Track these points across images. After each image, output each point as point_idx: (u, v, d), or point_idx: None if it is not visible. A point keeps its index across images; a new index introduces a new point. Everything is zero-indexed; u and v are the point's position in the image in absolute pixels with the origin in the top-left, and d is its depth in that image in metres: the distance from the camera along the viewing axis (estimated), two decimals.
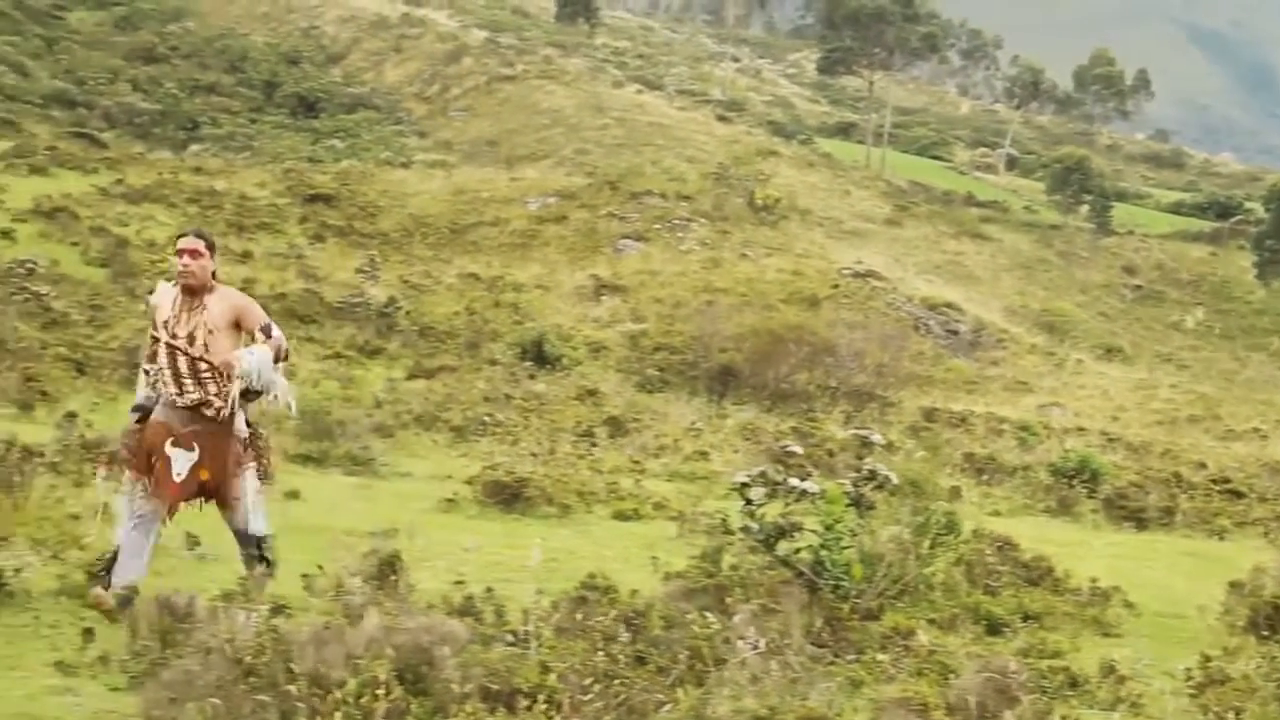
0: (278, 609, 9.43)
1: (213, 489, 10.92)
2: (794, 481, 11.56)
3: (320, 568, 11.61)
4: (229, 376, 10.44)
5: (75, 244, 35.91)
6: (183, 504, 10.90)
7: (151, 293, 10.87)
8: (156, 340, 10.61)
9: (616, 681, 8.44)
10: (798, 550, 11.51)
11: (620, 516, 17.23)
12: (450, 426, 23.14)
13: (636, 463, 21.43)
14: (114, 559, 10.54)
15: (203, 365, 10.48)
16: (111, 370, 23.74)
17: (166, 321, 10.49)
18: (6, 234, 35.89)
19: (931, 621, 11.90)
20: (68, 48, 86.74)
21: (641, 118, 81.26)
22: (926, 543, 12.77)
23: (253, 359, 10.46)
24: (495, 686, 7.89)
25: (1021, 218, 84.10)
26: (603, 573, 11.61)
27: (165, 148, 66.38)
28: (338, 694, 7.52)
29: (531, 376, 29.08)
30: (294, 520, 15.24)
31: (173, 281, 10.71)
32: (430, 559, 13.00)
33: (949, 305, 45.49)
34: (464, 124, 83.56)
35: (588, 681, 8.28)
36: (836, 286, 41.30)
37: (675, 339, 34.42)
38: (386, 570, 11.47)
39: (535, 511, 16.84)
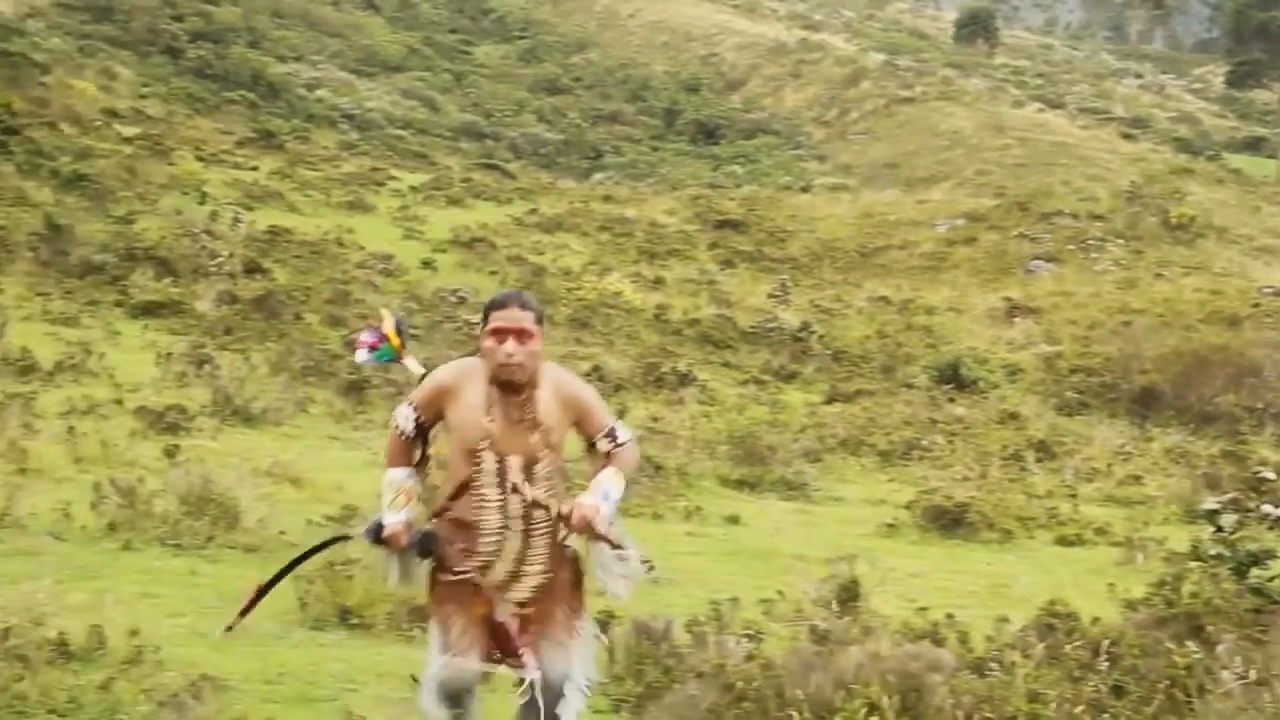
0: (753, 635, 9.46)
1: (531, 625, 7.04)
2: (1267, 508, 11.19)
3: (780, 593, 11.64)
4: (581, 531, 6.88)
5: (494, 273, 36.76)
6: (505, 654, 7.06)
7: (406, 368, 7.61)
8: (408, 442, 7.01)
9: (1105, 713, 8.25)
10: (1272, 578, 11.13)
11: (1063, 542, 16.91)
12: (876, 451, 23.04)
13: (1069, 487, 21.02)
14: None
15: (538, 511, 6.83)
16: None
17: (487, 428, 6.74)
18: (428, 264, 36.95)
19: None
20: (475, 81, 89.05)
21: (1043, 137, 79.97)
22: None
23: (611, 506, 6.91)
24: (988, 714, 7.77)
25: None
26: (1061, 599, 11.39)
27: (569, 177, 67.65)
28: None
29: (951, 400, 28.77)
30: (739, 545, 15.37)
31: (467, 356, 7.19)
32: (880, 584, 12.92)
33: None
34: (863, 147, 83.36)
35: (1077, 710, 8.11)
36: (1258, 305, 40.02)
37: (1092, 361, 33.69)
38: (846, 596, 11.44)
39: (977, 537, 16.63)
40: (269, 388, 21.51)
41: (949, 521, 16.78)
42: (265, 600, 10.82)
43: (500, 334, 6.73)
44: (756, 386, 29.11)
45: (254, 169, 44.48)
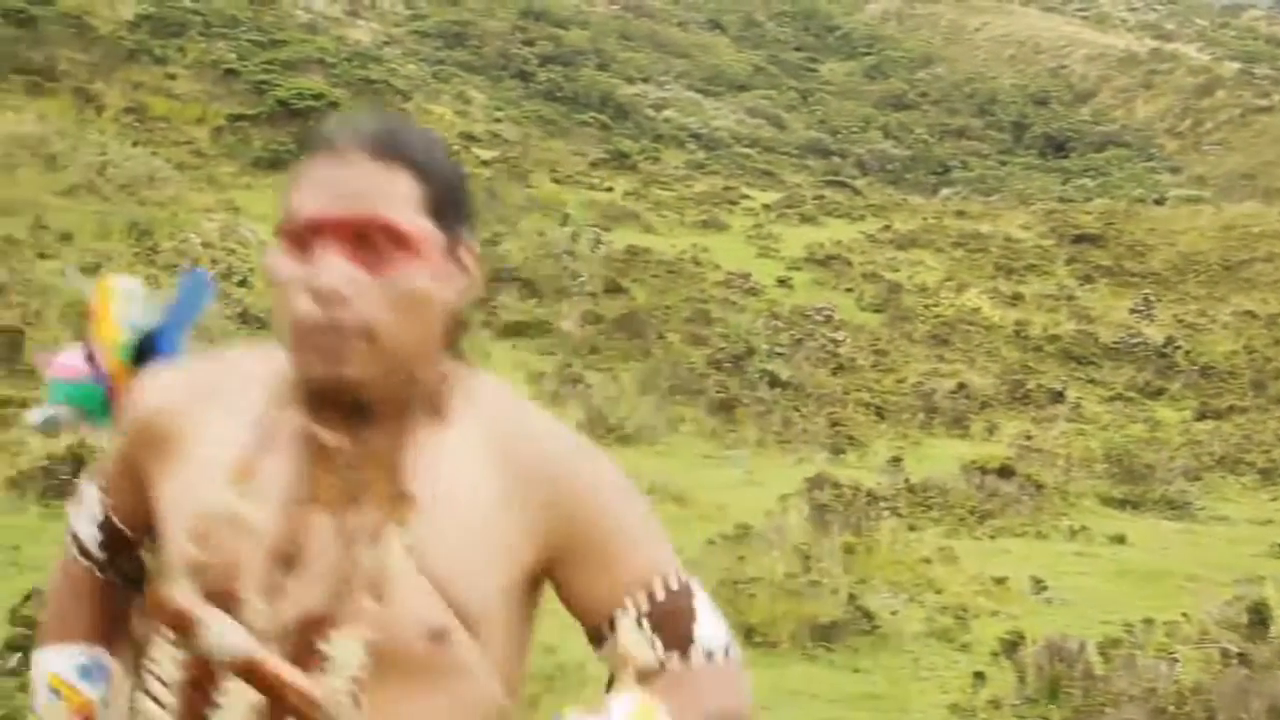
0: (1171, 658, 9.26)
1: None
2: None
3: (1185, 615, 11.39)
4: None
5: (849, 290, 36.65)
6: None
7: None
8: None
9: None
10: None
11: None
12: (1256, 469, 22.41)
13: None
14: None
15: None
16: (910, 415, 24.14)
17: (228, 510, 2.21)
18: (784, 282, 36.98)
19: None
20: (821, 99, 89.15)
21: None
22: None
23: None
24: None
25: None
26: None
27: (916, 192, 67.21)
28: None
29: None
30: (1127, 565, 15.05)
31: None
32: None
33: None
34: (1218, 158, 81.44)
35: None
36: None
37: None
38: (1255, 618, 11.13)
39: None
40: (639, 407, 21.74)
41: None
42: None
43: (306, 236, 2.21)
44: (1123, 403, 28.56)
45: (609, 190, 45.07)
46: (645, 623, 2.24)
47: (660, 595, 2.23)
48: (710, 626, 2.28)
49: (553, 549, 2.25)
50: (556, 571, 2.28)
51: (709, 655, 2.25)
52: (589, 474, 2.31)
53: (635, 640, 2.25)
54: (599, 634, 2.30)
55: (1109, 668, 9.03)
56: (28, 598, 8.39)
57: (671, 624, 2.25)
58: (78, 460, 12.43)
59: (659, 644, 2.24)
